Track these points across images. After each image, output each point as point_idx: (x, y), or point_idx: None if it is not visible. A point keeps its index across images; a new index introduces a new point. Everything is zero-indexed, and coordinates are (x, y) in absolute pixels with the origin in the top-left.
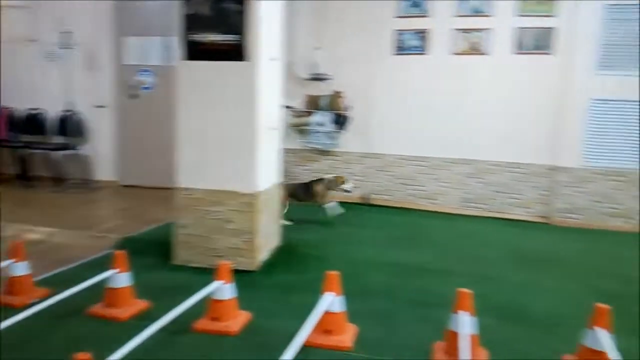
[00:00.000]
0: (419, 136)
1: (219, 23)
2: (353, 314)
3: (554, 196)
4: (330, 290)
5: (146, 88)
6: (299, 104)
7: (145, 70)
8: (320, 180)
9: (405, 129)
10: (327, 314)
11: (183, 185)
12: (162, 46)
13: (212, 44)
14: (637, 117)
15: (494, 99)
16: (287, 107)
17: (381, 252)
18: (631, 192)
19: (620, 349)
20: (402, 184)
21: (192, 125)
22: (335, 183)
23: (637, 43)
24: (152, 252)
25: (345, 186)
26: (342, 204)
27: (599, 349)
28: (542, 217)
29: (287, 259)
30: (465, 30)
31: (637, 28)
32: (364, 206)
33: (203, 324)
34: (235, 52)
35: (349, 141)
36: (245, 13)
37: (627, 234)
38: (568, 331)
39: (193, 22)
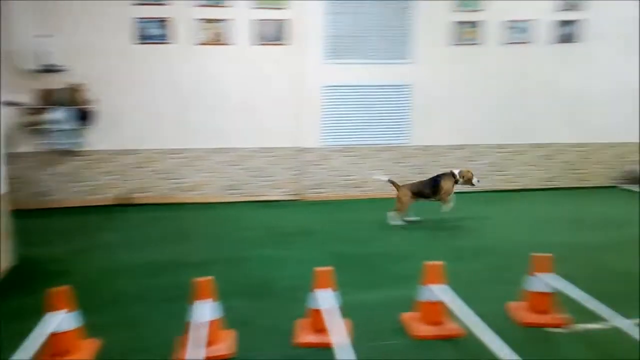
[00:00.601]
0: (175, 128)
1: None
2: (97, 327)
3: (302, 175)
4: (59, 308)
5: None
6: (29, 99)
7: None
8: (447, 174)
9: (160, 121)
10: (55, 335)
11: None
12: None
13: None
14: (361, 100)
15: (243, 89)
16: (11, 103)
17: (137, 254)
18: (362, 165)
19: (346, 302)
20: (164, 178)
21: None
22: (463, 177)
23: (358, 35)
24: None
25: (474, 180)
26: (94, 207)
27: (321, 308)
28: (295, 194)
29: (21, 280)
30: (207, 21)
31: (357, 21)
32: (124, 207)
33: None
34: None
35: (98, 139)
36: None
37: (362, 201)
38: (308, 297)
39: None
